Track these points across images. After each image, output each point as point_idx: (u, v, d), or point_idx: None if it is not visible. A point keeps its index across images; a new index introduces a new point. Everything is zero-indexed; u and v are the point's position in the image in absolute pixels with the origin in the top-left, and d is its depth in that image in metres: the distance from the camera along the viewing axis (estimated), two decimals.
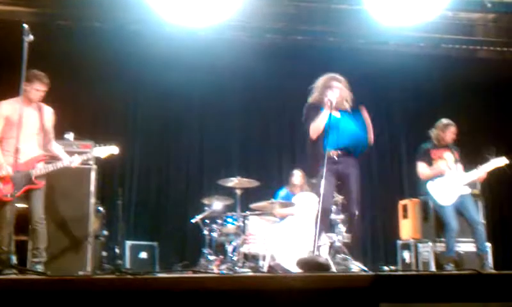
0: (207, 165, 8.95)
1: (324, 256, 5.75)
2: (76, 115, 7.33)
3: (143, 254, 7.89)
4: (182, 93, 8.67)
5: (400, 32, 8.63)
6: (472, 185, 6.61)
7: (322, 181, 4.72)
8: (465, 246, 6.84)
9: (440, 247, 6.87)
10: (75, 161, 5.43)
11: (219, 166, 8.66)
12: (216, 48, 8.21)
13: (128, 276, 3.14)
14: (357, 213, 5.14)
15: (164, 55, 8.00)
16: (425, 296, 3.06)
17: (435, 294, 3.07)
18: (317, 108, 5.08)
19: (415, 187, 7.83)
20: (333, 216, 6.59)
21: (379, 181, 9.35)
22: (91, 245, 5.97)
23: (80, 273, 5.48)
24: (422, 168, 6.59)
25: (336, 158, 5.03)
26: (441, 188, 6.42)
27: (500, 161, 6.41)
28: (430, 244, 7.14)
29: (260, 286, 3.06)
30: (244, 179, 6.85)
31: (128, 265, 7.56)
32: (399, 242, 7.87)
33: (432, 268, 6.94)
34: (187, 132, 9.03)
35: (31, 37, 4.59)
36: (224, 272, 6.15)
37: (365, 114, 5.08)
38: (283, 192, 7.49)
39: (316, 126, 5.02)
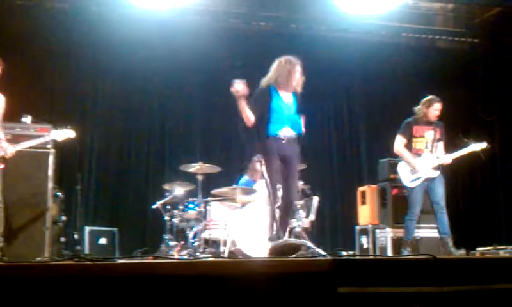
0: (168, 150, 8.87)
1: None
2: (34, 98, 7.18)
3: (103, 240, 7.81)
4: (144, 76, 8.56)
5: (362, 21, 8.74)
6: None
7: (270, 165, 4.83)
8: (424, 232, 6.89)
9: (397, 232, 7.00)
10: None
11: (180, 151, 8.60)
12: (180, 32, 8.13)
13: (87, 262, 3.10)
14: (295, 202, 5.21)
15: (128, 37, 7.88)
16: (382, 280, 3.12)
17: (392, 278, 3.15)
18: (268, 90, 5.12)
19: (374, 174, 7.98)
20: None
21: (338, 168, 9.45)
22: (49, 230, 5.87)
23: (38, 259, 5.38)
24: (398, 143, 6.28)
25: (282, 141, 5.07)
26: (411, 169, 6.22)
27: (479, 146, 6.26)
28: (387, 229, 7.27)
29: (221, 271, 3.07)
30: (206, 164, 6.82)
31: (87, 251, 7.45)
32: (357, 228, 8.00)
33: (389, 253, 7.07)
34: (149, 116, 8.90)
35: None
36: (185, 257, 6.15)
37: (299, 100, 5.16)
38: (244, 180, 7.48)
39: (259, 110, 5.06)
